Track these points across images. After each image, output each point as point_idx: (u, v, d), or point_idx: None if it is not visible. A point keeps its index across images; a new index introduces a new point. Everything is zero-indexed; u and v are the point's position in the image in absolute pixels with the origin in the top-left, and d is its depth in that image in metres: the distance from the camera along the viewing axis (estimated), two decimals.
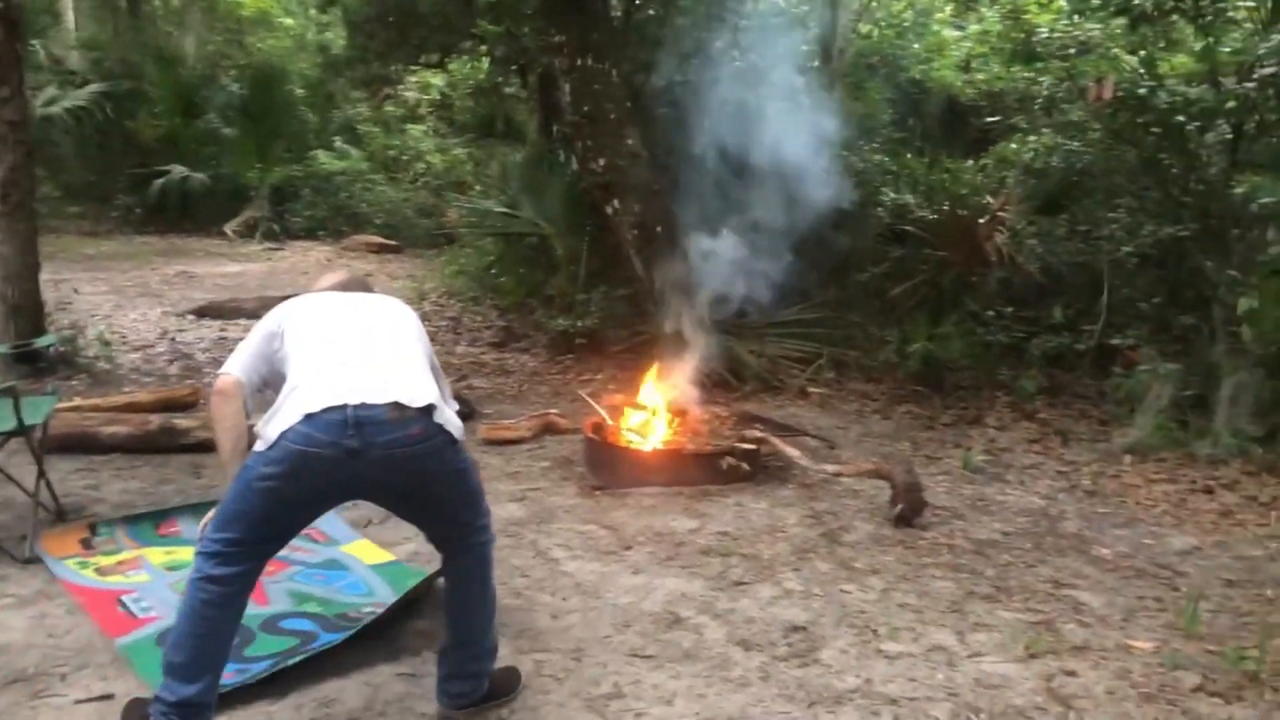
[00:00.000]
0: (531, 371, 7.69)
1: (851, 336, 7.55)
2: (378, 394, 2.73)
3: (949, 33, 10.46)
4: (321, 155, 16.71)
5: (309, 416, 2.67)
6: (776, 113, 8.09)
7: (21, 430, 4.22)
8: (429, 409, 2.76)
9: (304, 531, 4.67)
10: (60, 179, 17.14)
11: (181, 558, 4.24)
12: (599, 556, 4.38)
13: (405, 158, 17.93)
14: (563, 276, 8.20)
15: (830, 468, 5.25)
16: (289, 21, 18.51)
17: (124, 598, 3.87)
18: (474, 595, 3.05)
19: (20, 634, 3.51)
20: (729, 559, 4.40)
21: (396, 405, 2.72)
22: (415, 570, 4.17)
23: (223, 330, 8.68)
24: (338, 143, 17.16)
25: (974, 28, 10.37)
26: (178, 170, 16.07)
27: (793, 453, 5.32)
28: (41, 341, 4.52)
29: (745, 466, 5.24)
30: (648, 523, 4.78)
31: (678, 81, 8.43)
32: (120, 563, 4.18)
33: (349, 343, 2.92)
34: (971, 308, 7.27)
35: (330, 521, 4.73)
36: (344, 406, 2.68)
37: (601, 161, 8.09)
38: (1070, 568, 4.52)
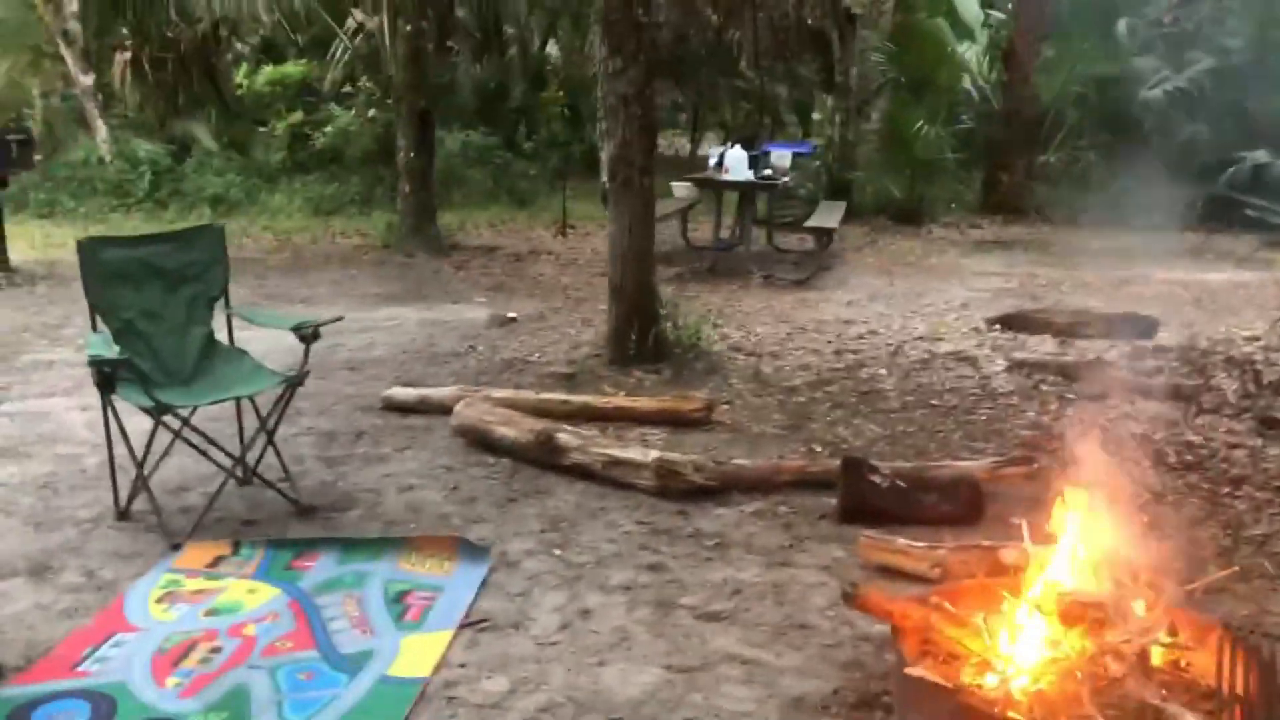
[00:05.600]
0: (1236, 476, 4.38)
1: None
2: None
3: None
4: None
5: None
6: None
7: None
8: None
9: (408, 598, 3.46)
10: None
11: (249, 601, 3.44)
12: None
13: None
14: None
15: None
16: None
17: (116, 634, 3.24)
18: None
19: None
20: None
21: None
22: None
23: (975, 346, 6.77)
24: None
25: None
26: (1255, 156, 13.42)
27: None
28: (302, 322, 4.10)
29: None
30: None
31: None
32: (196, 592, 3.53)
33: None
34: None
35: (454, 594, 3.47)
36: None
37: None
38: None
